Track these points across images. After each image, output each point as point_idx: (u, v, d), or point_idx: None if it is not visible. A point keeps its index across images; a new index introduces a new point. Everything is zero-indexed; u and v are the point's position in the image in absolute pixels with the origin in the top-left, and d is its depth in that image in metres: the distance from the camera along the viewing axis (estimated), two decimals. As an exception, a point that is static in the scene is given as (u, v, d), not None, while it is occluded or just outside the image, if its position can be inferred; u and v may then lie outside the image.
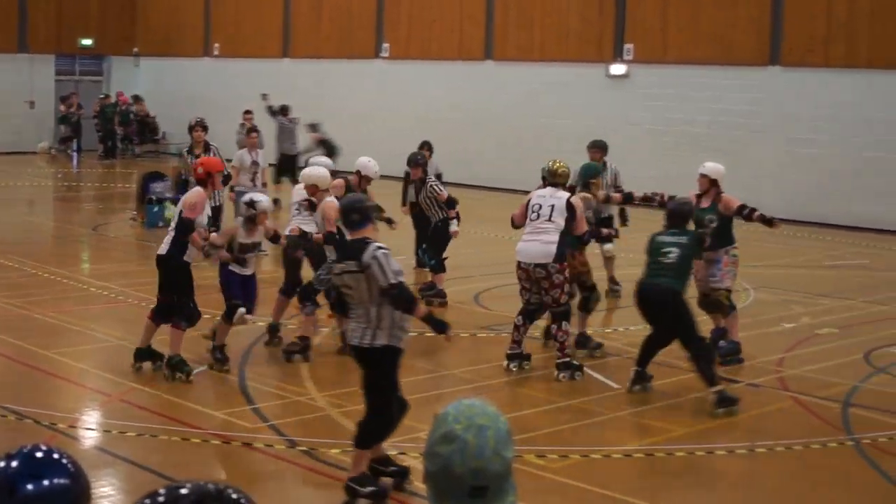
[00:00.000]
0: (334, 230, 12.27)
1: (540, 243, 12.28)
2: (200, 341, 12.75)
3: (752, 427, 11.30)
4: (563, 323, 12.38)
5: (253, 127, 20.33)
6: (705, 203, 13.32)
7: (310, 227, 13.01)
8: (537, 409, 11.42)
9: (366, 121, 35.38)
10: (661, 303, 11.69)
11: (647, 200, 14.40)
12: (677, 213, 12.15)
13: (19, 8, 39.96)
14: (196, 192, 12.32)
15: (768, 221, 13.45)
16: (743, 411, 11.58)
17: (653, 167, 26.23)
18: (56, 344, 13.53)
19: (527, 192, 13.46)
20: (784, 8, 27.92)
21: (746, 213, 13.29)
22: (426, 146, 18.33)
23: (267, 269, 17.29)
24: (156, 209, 23.04)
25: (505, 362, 12.75)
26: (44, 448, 3.02)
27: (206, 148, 17.51)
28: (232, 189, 19.41)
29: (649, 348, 12.02)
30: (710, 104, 29.18)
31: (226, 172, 16.23)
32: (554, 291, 12.29)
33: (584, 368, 12.66)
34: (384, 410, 8.78)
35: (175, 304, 12.18)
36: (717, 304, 13.31)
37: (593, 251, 14.93)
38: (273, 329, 13.61)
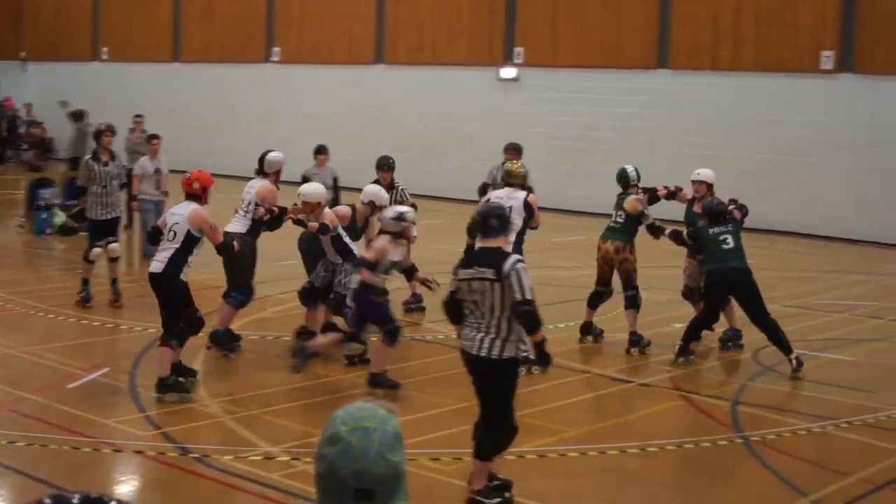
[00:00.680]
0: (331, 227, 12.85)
1: None
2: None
3: (643, 426, 11.44)
4: None
5: (154, 134, 19.92)
6: (698, 208, 14.45)
7: (238, 228, 13.23)
8: (432, 411, 11.43)
9: (257, 125, 35.22)
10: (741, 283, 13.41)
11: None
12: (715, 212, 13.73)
13: None
14: (202, 213, 11.73)
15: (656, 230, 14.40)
16: (634, 411, 11.74)
17: (544, 170, 26.38)
18: (-59, 353, 13.28)
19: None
20: (672, 12, 28.30)
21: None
22: (322, 150, 18.25)
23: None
24: (44, 216, 22.72)
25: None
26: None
27: (113, 156, 16.80)
28: (134, 198, 19.19)
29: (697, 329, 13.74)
30: (599, 107, 29.49)
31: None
32: None
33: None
34: (509, 422, 8.72)
35: (166, 321, 11.76)
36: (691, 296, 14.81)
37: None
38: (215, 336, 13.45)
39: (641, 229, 14.31)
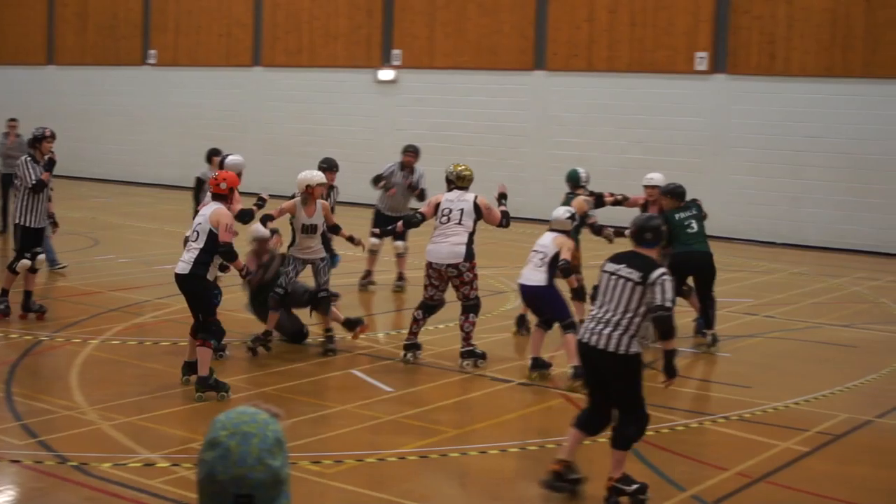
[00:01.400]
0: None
1: (450, 245, 13.27)
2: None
3: (523, 425, 11.56)
4: (472, 315, 13.37)
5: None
6: (654, 210, 15.15)
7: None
8: (311, 415, 11.42)
9: (134, 128, 34.87)
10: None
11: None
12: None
13: None
14: (224, 211, 11.81)
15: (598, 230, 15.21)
16: (514, 410, 11.86)
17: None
18: None
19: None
20: (548, 14, 28.56)
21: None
22: (215, 152, 17.87)
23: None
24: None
25: (402, 353, 13.64)
26: None
27: (51, 163, 15.99)
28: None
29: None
30: (476, 109, 29.68)
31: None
32: (465, 288, 13.29)
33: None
34: (642, 410, 9.04)
35: (201, 322, 11.86)
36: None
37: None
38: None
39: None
